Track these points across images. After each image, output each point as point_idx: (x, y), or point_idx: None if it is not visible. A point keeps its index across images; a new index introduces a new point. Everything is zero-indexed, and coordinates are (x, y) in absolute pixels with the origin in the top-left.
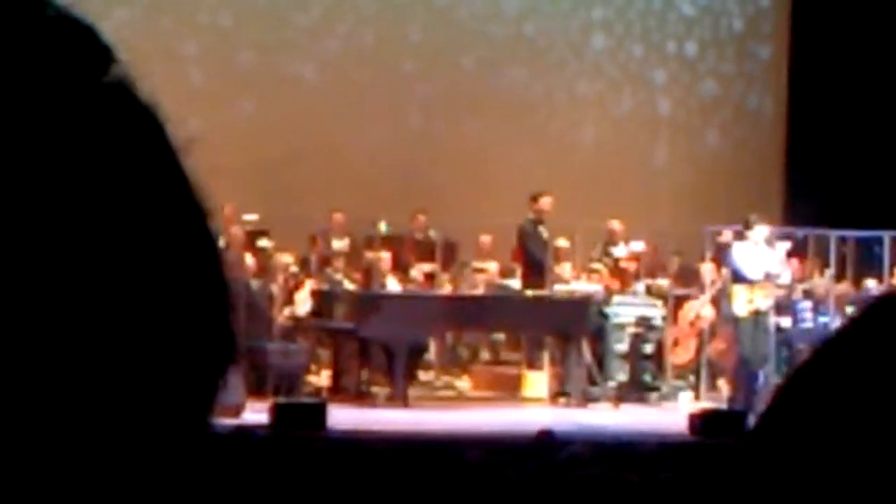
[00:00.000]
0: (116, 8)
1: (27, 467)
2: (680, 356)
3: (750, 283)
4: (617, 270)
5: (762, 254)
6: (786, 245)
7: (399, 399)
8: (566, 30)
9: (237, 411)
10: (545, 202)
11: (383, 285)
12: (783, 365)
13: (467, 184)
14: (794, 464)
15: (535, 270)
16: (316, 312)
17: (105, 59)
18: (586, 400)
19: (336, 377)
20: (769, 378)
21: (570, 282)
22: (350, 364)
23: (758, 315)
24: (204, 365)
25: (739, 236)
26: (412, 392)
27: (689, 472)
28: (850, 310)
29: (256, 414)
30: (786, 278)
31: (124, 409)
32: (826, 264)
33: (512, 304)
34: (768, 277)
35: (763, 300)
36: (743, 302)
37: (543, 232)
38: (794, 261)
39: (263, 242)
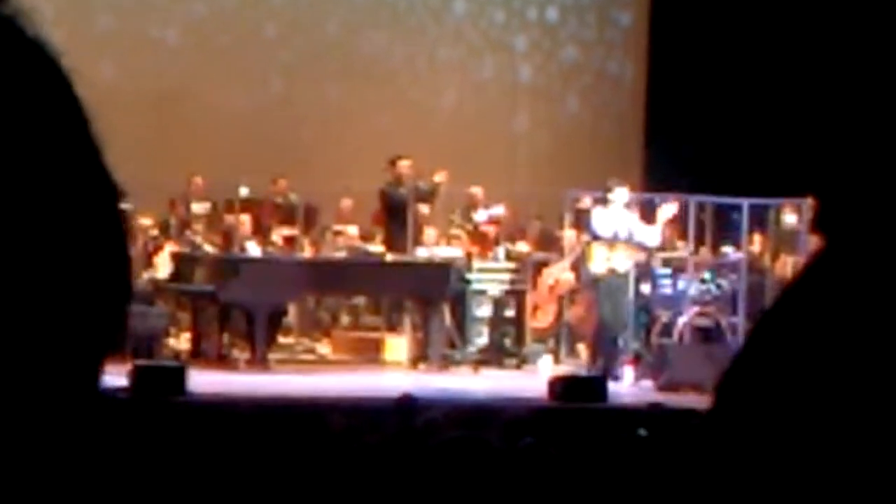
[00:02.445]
0: None
1: None
2: (540, 321)
3: (608, 243)
4: (477, 235)
5: (621, 217)
6: (672, 208)
7: (259, 363)
8: None
9: None
10: (403, 166)
11: (243, 249)
12: (641, 330)
13: (328, 148)
14: (757, 443)
15: (396, 234)
16: (176, 276)
17: None
18: (447, 364)
19: (196, 341)
20: (627, 343)
21: (431, 246)
22: (210, 328)
23: (616, 276)
24: (95, 318)
25: (601, 202)
26: (272, 356)
27: (550, 436)
28: (707, 276)
29: (115, 377)
30: (653, 241)
31: (15, 363)
32: (685, 230)
33: (373, 268)
34: (629, 240)
35: (621, 261)
36: (601, 260)
37: (404, 195)
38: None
39: (123, 205)
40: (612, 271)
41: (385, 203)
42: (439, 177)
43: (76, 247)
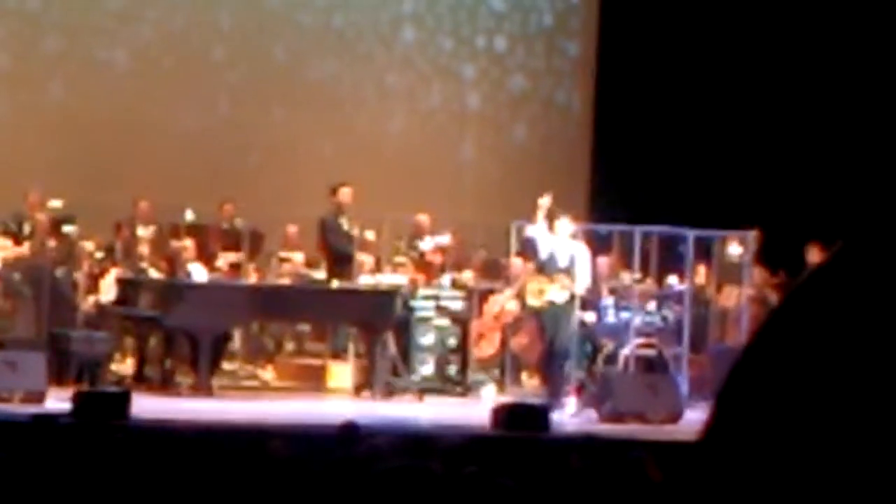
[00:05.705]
0: None
1: None
2: (484, 350)
3: (545, 277)
4: (422, 263)
5: (565, 247)
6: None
7: (203, 388)
8: (376, 22)
9: (39, 398)
10: (344, 193)
11: (188, 274)
12: (585, 360)
13: (274, 173)
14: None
15: (339, 262)
16: (121, 300)
17: None
18: (390, 392)
19: (140, 366)
20: (571, 372)
21: (376, 274)
22: (154, 353)
23: (555, 307)
24: None
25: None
26: (216, 382)
27: (493, 465)
28: (651, 306)
29: (59, 402)
30: (583, 285)
31: None
32: (630, 261)
33: (317, 295)
34: (569, 270)
35: (556, 294)
36: (534, 293)
37: (344, 223)
38: (604, 259)
39: (68, 229)
40: (550, 303)
41: (324, 231)
42: (370, 234)
43: None
